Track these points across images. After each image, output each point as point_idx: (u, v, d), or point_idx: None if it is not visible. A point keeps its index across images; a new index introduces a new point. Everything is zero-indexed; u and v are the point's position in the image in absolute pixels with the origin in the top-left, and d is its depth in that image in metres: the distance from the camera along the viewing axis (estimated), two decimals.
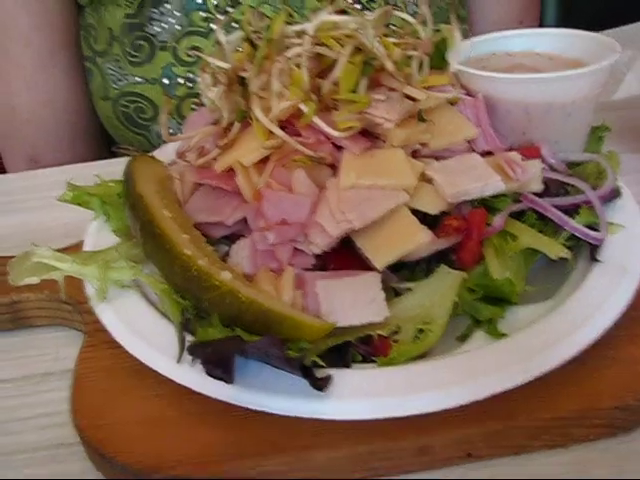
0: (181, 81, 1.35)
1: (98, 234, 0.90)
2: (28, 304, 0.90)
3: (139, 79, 1.37)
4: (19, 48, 1.41)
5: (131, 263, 0.78)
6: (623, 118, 1.18)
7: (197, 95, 1.34)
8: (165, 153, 1.02)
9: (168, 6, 1.33)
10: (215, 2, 1.33)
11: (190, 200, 0.86)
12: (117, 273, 0.78)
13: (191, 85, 1.35)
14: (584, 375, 0.71)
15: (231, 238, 0.83)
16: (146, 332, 0.76)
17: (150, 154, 0.95)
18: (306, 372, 0.64)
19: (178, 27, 1.33)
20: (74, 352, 0.81)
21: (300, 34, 0.82)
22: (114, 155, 1.53)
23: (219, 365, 0.65)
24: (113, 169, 0.96)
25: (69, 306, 0.88)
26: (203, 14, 1.33)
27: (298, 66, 0.80)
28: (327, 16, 0.81)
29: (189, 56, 1.34)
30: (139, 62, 1.36)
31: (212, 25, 1.33)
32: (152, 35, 1.35)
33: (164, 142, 1.17)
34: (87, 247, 0.89)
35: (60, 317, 0.90)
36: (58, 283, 0.79)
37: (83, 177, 0.96)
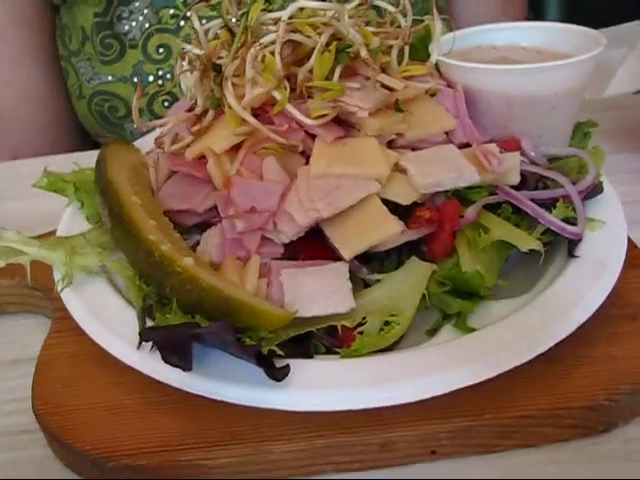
0: (151, 79, 1.36)
1: (71, 220, 0.89)
2: None
3: (110, 78, 1.38)
4: None
5: (98, 249, 0.77)
6: (615, 118, 1.16)
7: (168, 92, 1.35)
8: (146, 143, 1.01)
9: (137, 4, 1.34)
10: None
11: (163, 188, 0.85)
12: (84, 259, 0.77)
13: (161, 82, 1.35)
14: (556, 373, 0.70)
15: (203, 227, 0.82)
16: (110, 319, 0.74)
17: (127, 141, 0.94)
18: (262, 361, 0.63)
19: (147, 25, 1.34)
20: (43, 339, 0.81)
21: (277, 21, 0.81)
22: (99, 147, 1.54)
23: (176, 352, 0.64)
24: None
25: (39, 292, 0.87)
26: (172, 11, 1.33)
27: (273, 53, 0.78)
28: (303, 2, 0.79)
29: (159, 53, 1.34)
30: (110, 60, 1.37)
31: (181, 22, 1.34)
32: (122, 33, 1.35)
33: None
34: (59, 233, 0.88)
35: (30, 304, 0.89)
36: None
37: (67, 167, 0.95)
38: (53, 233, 0.91)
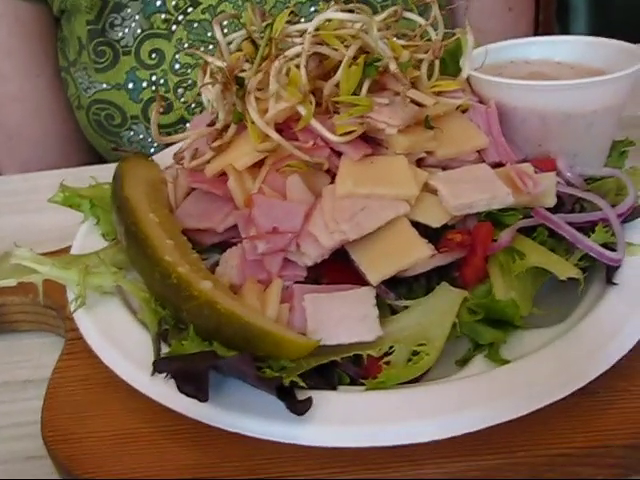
0: (145, 84, 1.34)
1: (86, 238, 0.87)
2: (12, 307, 0.86)
3: (105, 85, 1.37)
4: (1, 56, 1.41)
5: (113, 269, 0.74)
6: None
7: (163, 98, 1.34)
8: (165, 157, 0.98)
9: (128, 10, 1.33)
10: (174, 3, 1.32)
11: (181, 205, 0.82)
12: (98, 278, 0.74)
13: (154, 88, 1.34)
14: (594, 408, 0.66)
15: (223, 247, 0.79)
16: (123, 342, 0.71)
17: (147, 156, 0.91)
18: (283, 393, 0.59)
19: (139, 30, 1.33)
20: (56, 359, 0.78)
21: (302, 33, 0.78)
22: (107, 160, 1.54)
23: (192, 381, 0.61)
24: None
25: (53, 311, 0.84)
26: (163, 16, 1.32)
27: (298, 67, 0.75)
28: (330, 14, 0.76)
29: (152, 59, 1.33)
30: (103, 68, 1.36)
31: (173, 27, 1.33)
32: (115, 40, 1.34)
33: (136, 148, 1.14)
34: (74, 250, 0.85)
35: (44, 322, 0.87)
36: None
37: (84, 180, 0.93)
38: (68, 249, 0.89)
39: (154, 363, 0.65)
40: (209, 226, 0.78)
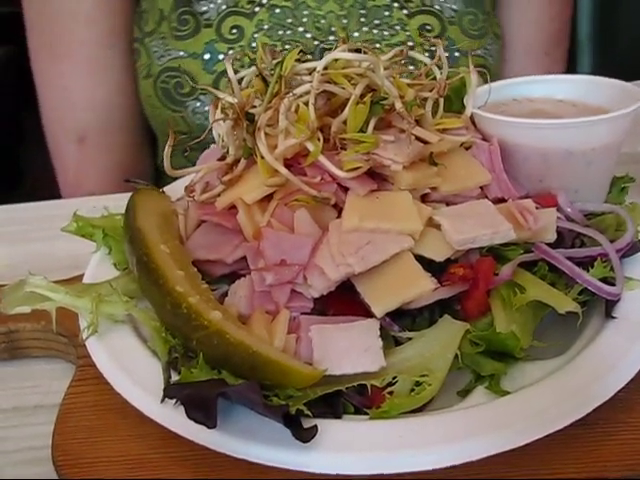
0: (221, 57, 1.38)
1: (98, 267, 0.89)
2: (24, 334, 0.88)
3: (182, 53, 1.40)
4: (81, 26, 1.45)
5: (125, 298, 0.76)
6: None
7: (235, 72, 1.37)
8: (176, 189, 1.00)
9: None
10: None
11: (192, 236, 0.84)
12: (110, 307, 0.76)
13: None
14: (591, 440, 0.67)
15: (232, 277, 0.81)
16: (133, 369, 0.73)
17: (158, 189, 0.93)
18: (289, 421, 0.61)
19: (224, 7, 1.38)
20: (67, 386, 0.79)
21: (311, 71, 0.80)
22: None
23: (200, 408, 0.62)
24: None
25: (65, 338, 0.86)
26: None
27: (307, 104, 0.78)
28: (339, 54, 0.79)
29: (232, 34, 1.38)
30: (183, 36, 1.39)
31: (256, 8, 1.38)
32: (199, 13, 1.39)
33: (198, 120, 1.22)
34: (86, 279, 0.87)
35: (56, 349, 0.88)
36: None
37: (96, 210, 0.95)
38: (80, 277, 0.91)
39: (165, 389, 0.66)
40: (219, 257, 0.79)
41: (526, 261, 0.76)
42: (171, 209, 0.87)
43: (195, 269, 0.78)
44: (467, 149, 0.85)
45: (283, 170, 0.76)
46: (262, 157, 0.77)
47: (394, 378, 0.68)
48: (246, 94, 0.83)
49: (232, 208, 0.80)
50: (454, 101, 0.95)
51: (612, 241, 0.79)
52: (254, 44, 1.37)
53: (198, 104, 1.42)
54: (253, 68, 0.87)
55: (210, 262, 0.81)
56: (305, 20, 1.37)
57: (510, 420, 0.65)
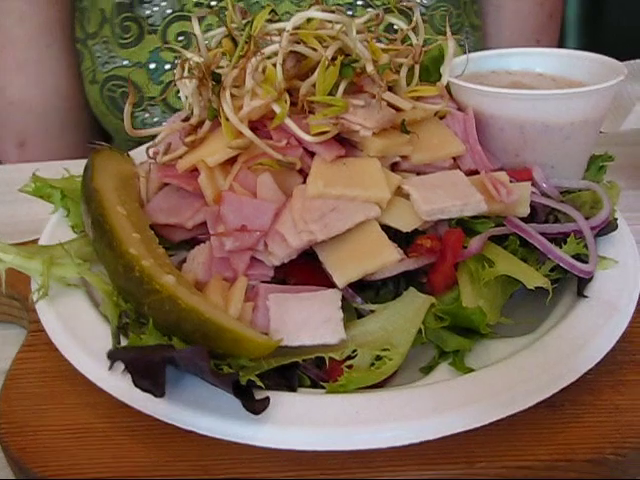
0: (168, 67, 1.32)
1: (55, 229, 0.85)
2: None
3: (126, 62, 1.34)
4: (13, 22, 1.37)
5: (77, 260, 0.73)
6: (632, 154, 1.11)
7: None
8: (142, 153, 0.96)
9: None
10: None
11: (152, 200, 0.81)
12: (62, 270, 0.73)
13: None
14: (559, 422, 0.65)
15: (193, 244, 0.77)
16: (84, 335, 0.70)
17: (121, 150, 0.90)
18: (240, 391, 0.58)
19: (169, 11, 1.30)
20: None
21: (281, 32, 0.77)
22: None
23: (148, 376, 0.59)
24: None
25: (18, 303, 0.83)
26: None
27: (275, 65, 0.74)
28: (310, 13, 0.75)
29: (178, 41, 1.31)
30: (126, 44, 1.33)
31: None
32: (142, 17, 1.31)
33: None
34: (42, 241, 0.84)
35: (8, 314, 0.85)
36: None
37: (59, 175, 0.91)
38: (37, 242, 0.87)
39: (109, 353, 0.63)
40: (178, 222, 0.76)
41: (497, 235, 0.73)
42: (133, 172, 0.84)
43: (153, 233, 0.75)
44: (442, 119, 0.82)
45: (247, 132, 0.73)
46: (227, 119, 0.74)
47: (354, 351, 0.65)
48: (213, 54, 0.80)
49: (194, 171, 0.77)
50: (432, 72, 0.92)
51: (587, 218, 0.76)
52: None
53: (147, 115, 1.36)
54: (222, 28, 0.83)
55: (170, 227, 0.78)
56: (220, 13, 1.31)
57: (472, 398, 0.62)
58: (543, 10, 1.56)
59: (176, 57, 1.30)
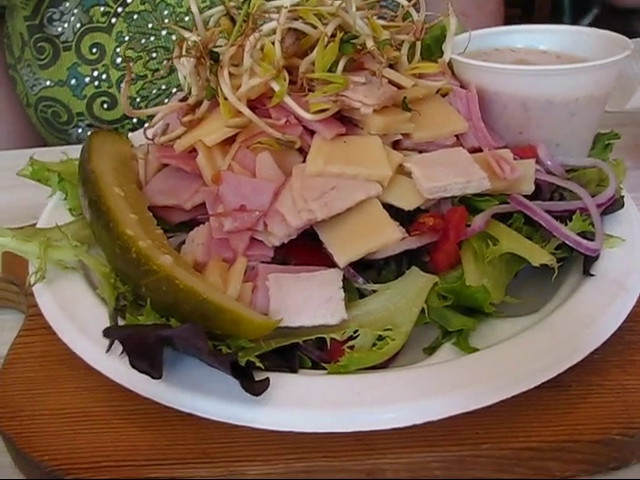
0: (87, 80, 1.31)
1: (52, 212, 0.84)
2: None
3: (49, 82, 1.34)
4: None
5: (74, 242, 0.72)
6: (638, 133, 1.09)
7: (106, 94, 1.30)
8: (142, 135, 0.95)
9: (67, 4, 1.30)
10: None
11: (151, 182, 0.79)
12: (59, 252, 0.72)
13: (97, 84, 1.31)
14: (563, 401, 0.64)
15: (192, 226, 0.76)
16: (81, 318, 0.69)
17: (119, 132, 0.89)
18: (239, 372, 0.57)
19: (78, 25, 1.30)
20: None
21: (280, 9, 0.75)
22: None
23: (145, 357, 0.58)
24: None
25: (16, 287, 0.82)
26: (102, 8, 1.29)
27: (273, 43, 0.73)
28: None
29: (92, 54, 1.30)
30: (45, 65, 1.33)
31: (112, 19, 1.29)
32: (54, 36, 1.31)
33: None
34: (40, 224, 0.83)
35: (7, 298, 0.84)
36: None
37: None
38: (35, 226, 0.86)
39: (104, 331, 0.62)
40: (176, 203, 0.75)
41: (501, 213, 0.72)
42: (131, 153, 0.83)
43: (150, 214, 0.74)
44: (444, 96, 0.81)
45: (246, 110, 0.71)
46: (225, 98, 0.73)
47: (355, 332, 0.64)
48: (210, 32, 0.78)
49: (193, 151, 0.76)
50: (434, 51, 0.90)
51: (593, 196, 0.75)
52: (118, 60, 1.29)
53: (80, 130, 1.36)
54: (220, 7, 0.82)
55: (168, 208, 0.77)
56: (167, 21, 1.28)
57: (477, 379, 0.61)
58: None
59: (93, 70, 1.30)
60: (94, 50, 1.29)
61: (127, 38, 1.28)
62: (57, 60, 1.31)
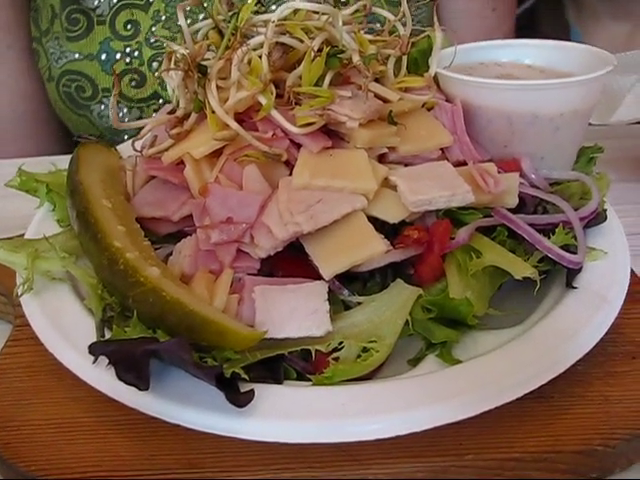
0: (118, 56, 1.30)
1: (41, 223, 0.84)
2: None
3: (77, 55, 1.32)
4: None
5: (62, 254, 0.72)
6: (621, 146, 1.11)
7: (137, 71, 1.29)
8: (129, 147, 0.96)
9: None
10: None
11: (139, 193, 0.80)
12: (46, 263, 0.72)
13: (128, 60, 1.29)
14: (546, 412, 0.64)
15: (179, 237, 0.77)
16: (68, 329, 0.69)
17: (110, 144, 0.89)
18: (224, 384, 0.57)
19: (115, 0, 1.29)
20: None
21: (268, 23, 0.76)
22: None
23: (132, 369, 0.59)
24: None
25: (4, 297, 0.82)
26: None
27: (261, 56, 0.74)
28: (296, 3, 0.74)
29: (127, 30, 1.29)
30: (76, 37, 1.31)
31: None
32: (89, 8, 1.30)
33: (106, 123, 1.07)
34: (28, 235, 0.83)
35: None
36: None
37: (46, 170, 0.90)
38: (23, 237, 0.86)
39: (90, 346, 0.63)
40: (164, 215, 0.76)
41: (484, 226, 0.73)
42: (119, 165, 0.83)
43: (138, 226, 0.74)
44: (429, 110, 0.82)
45: (233, 124, 0.72)
46: (212, 111, 0.73)
47: (340, 343, 0.65)
48: (199, 46, 0.79)
49: (181, 164, 0.76)
50: (420, 65, 0.91)
51: (576, 209, 0.76)
52: (152, 39, 1.27)
53: (102, 107, 1.35)
54: (209, 20, 0.83)
55: (156, 220, 0.77)
56: (206, 5, 1.29)
57: (460, 390, 0.62)
58: None
59: (126, 46, 1.29)
60: (129, 26, 1.28)
61: (164, 18, 1.26)
62: (90, 33, 1.30)
